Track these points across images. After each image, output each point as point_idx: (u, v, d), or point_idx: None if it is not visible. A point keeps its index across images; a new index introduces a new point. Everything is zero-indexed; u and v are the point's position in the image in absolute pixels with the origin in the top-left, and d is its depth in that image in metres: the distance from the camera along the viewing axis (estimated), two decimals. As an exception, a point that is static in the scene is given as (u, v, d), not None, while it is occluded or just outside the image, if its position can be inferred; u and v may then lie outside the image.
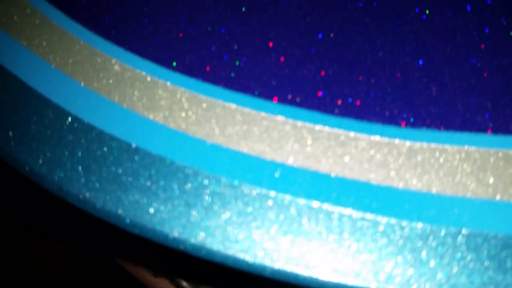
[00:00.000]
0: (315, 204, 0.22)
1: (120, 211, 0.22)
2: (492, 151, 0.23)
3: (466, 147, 0.23)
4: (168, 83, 0.24)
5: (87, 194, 0.23)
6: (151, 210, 0.22)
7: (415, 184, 0.22)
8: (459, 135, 0.23)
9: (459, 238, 0.21)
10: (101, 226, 0.24)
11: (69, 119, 0.24)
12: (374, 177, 0.22)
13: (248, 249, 0.21)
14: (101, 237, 0.26)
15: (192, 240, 0.22)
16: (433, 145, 0.23)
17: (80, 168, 0.23)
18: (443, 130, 0.23)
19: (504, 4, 0.26)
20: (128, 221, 0.22)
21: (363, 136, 0.23)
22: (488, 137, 0.23)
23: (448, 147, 0.23)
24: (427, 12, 0.25)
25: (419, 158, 0.23)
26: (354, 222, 0.22)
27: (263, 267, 0.21)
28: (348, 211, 0.22)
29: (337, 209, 0.22)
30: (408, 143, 0.23)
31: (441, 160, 0.22)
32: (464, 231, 0.21)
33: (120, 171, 0.23)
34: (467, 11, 0.26)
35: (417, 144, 0.23)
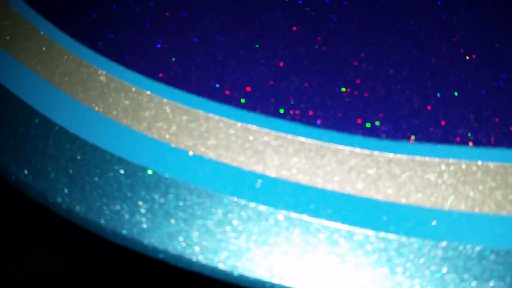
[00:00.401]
0: (294, 215, 0.22)
1: (102, 221, 0.23)
2: (473, 163, 0.23)
3: (446, 159, 0.23)
4: (153, 94, 0.24)
5: (70, 204, 0.23)
6: (132, 220, 0.22)
7: (394, 196, 0.22)
8: (440, 147, 0.23)
9: (435, 250, 0.21)
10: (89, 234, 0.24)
11: (56, 128, 0.24)
12: (354, 189, 0.22)
13: (226, 259, 0.22)
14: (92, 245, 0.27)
15: (171, 250, 0.22)
16: (412, 157, 0.23)
17: (63, 178, 0.23)
18: (424, 142, 0.23)
19: (490, 16, 0.26)
20: (109, 230, 0.23)
21: (343, 148, 0.23)
22: (469, 149, 0.23)
23: (428, 159, 0.23)
24: (413, 23, 0.26)
25: (398, 170, 0.23)
26: (332, 233, 0.22)
27: (242, 277, 0.21)
28: (326, 222, 0.22)
29: (315, 221, 0.22)
30: (388, 155, 0.23)
31: (421, 172, 0.22)
32: (442, 243, 0.21)
33: (102, 181, 0.23)
34: (453, 23, 0.26)
35: (397, 156, 0.23)
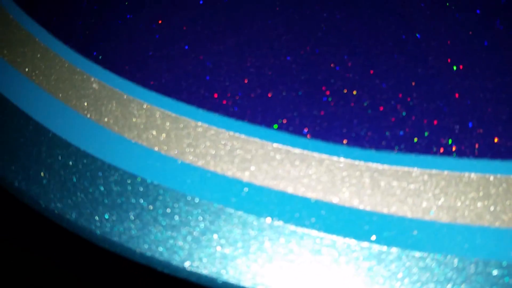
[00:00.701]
0: (279, 223, 0.22)
1: (92, 227, 0.23)
2: (455, 174, 0.23)
3: (429, 170, 0.23)
4: (144, 102, 0.25)
5: (62, 210, 0.24)
6: (121, 227, 0.23)
7: (377, 206, 0.23)
8: (423, 157, 0.23)
9: (416, 260, 0.22)
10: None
11: (49, 134, 0.25)
12: (338, 198, 0.23)
13: (212, 267, 0.22)
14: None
15: (158, 257, 0.22)
16: (395, 167, 0.23)
17: (56, 184, 0.24)
18: (407, 153, 0.23)
19: (478, 25, 0.27)
20: (99, 236, 0.23)
21: (329, 157, 0.23)
22: (452, 160, 0.23)
23: (411, 169, 0.23)
24: (401, 32, 0.26)
25: (382, 180, 0.23)
26: (315, 242, 0.22)
27: (226, 285, 0.22)
28: (310, 231, 0.22)
29: (300, 229, 0.22)
30: (372, 165, 0.23)
31: (404, 182, 0.23)
32: (417, 253, 0.22)
33: (93, 187, 0.24)
34: (441, 32, 0.26)
35: (381, 166, 0.23)
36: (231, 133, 0.24)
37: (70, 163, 0.24)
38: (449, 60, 0.26)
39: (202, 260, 0.22)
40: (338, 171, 0.23)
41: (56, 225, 0.24)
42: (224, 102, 0.25)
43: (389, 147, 0.24)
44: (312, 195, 0.23)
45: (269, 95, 0.25)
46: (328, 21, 0.26)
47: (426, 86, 0.25)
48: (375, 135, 0.24)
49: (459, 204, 0.23)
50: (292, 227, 0.22)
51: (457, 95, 0.25)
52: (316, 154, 0.23)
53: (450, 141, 0.24)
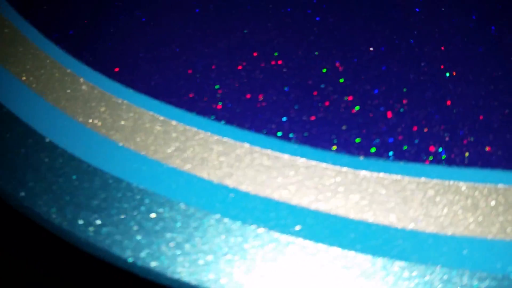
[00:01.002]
0: (261, 230, 0.22)
1: (75, 231, 0.23)
2: (445, 183, 0.23)
3: (418, 178, 0.23)
4: (132, 104, 0.25)
5: (46, 212, 0.23)
6: (103, 231, 0.23)
7: (362, 214, 0.22)
8: (412, 165, 0.23)
9: (402, 270, 0.21)
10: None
11: (35, 136, 0.25)
12: (324, 206, 0.22)
13: (194, 274, 0.22)
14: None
15: (139, 263, 0.22)
16: (383, 175, 0.23)
17: (41, 187, 0.24)
18: (396, 160, 0.23)
19: (472, 32, 0.26)
20: (81, 240, 0.23)
21: (316, 163, 0.23)
22: (442, 169, 0.23)
23: (399, 177, 0.23)
24: (394, 38, 0.26)
25: (369, 187, 0.23)
26: (300, 250, 0.22)
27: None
28: (295, 239, 0.22)
29: (284, 237, 0.22)
30: (360, 172, 0.23)
31: (392, 190, 0.23)
32: (401, 263, 0.21)
33: (78, 191, 0.24)
34: (435, 38, 0.26)
35: (369, 174, 0.23)
36: (220, 137, 0.24)
37: (57, 165, 0.24)
38: (442, 67, 0.25)
39: (184, 266, 0.22)
40: (326, 178, 0.23)
41: (40, 228, 0.24)
42: (214, 106, 0.24)
43: (379, 154, 0.23)
44: (298, 202, 0.22)
45: (260, 99, 0.24)
46: (320, 24, 0.26)
47: (417, 92, 0.24)
48: (364, 141, 0.23)
49: (446, 213, 0.22)
50: (277, 235, 0.22)
51: (449, 102, 0.24)
52: (303, 160, 0.23)
53: (440, 149, 0.23)
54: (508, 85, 0.25)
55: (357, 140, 0.23)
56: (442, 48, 0.26)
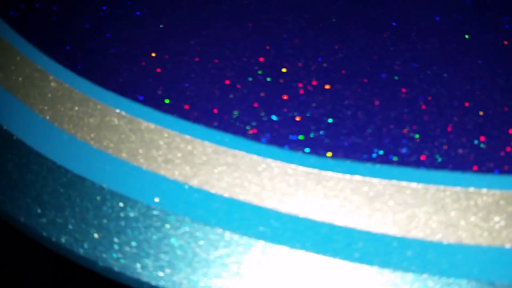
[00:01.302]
0: (223, 231, 0.22)
1: (43, 233, 0.23)
2: (413, 185, 0.22)
3: (387, 180, 0.22)
4: (101, 102, 0.24)
5: (11, 212, 0.23)
6: (65, 230, 0.22)
7: (345, 220, 0.22)
8: (381, 167, 0.22)
9: (357, 272, 0.21)
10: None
11: (1, 132, 0.24)
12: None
13: (152, 272, 0.22)
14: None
15: (100, 262, 0.22)
16: (358, 177, 0.22)
17: (8, 182, 0.24)
18: (365, 162, 0.23)
19: (448, 30, 0.26)
20: (51, 240, 0.23)
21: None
22: (410, 170, 0.23)
23: (368, 179, 0.22)
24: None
25: (337, 189, 0.22)
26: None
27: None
28: (260, 242, 0.22)
29: (261, 243, 0.22)
30: (326, 173, 0.22)
31: (357, 195, 0.22)
32: (362, 266, 0.21)
33: (43, 190, 0.23)
34: (411, 36, 0.25)
35: (336, 175, 0.22)
36: (187, 136, 0.23)
37: (23, 163, 0.24)
38: (415, 64, 0.25)
39: (144, 266, 0.22)
40: (292, 180, 0.22)
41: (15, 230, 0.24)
42: (181, 104, 0.24)
43: (348, 155, 0.23)
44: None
45: (230, 98, 0.24)
46: (299, 31, 0.25)
47: (390, 94, 0.24)
48: (333, 142, 0.23)
49: (412, 217, 0.22)
50: (253, 241, 0.22)
51: (423, 107, 0.24)
52: (270, 161, 0.23)
53: (409, 151, 0.23)
54: (485, 86, 0.25)
55: (326, 140, 0.23)
56: (418, 46, 0.25)
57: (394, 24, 0.26)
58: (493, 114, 0.24)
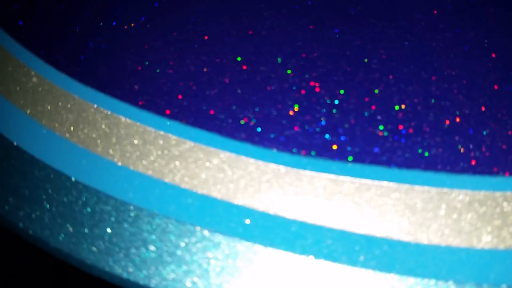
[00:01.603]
0: (197, 228, 0.22)
1: (20, 224, 0.23)
2: (383, 184, 0.22)
3: (358, 179, 0.22)
4: (79, 98, 0.25)
5: (3, 212, 0.24)
6: (42, 222, 0.23)
7: (300, 213, 0.22)
8: (352, 166, 0.23)
9: (326, 269, 0.21)
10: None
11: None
12: (264, 205, 0.22)
13: (126, 267, 0.22)
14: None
15: (75, 254, 0.22)
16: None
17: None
18: (339, 160, 0.23)
19: (427, 30, 0.26)
20: (30, 233, 0.23)
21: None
22: (380, 169, 0.23)
23: (338, 178, 0.22)
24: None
25: (306, 187, 0.22)
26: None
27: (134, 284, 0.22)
28: (232, 239, 0.22)
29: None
30: (297, 171, 0.23)
31: (329, 193, 0.22)
32: (328, 263, 0.21)
33: (22, 183, 0.24)
34: (382, 39, 0.25)
35: (308, 173, 0.23)
36: (161, 132, 0.24)
37: (1, 157, 0.24)
38: (384, 57, 0.25)
39: (113, 260, 0.22)
40: (263, 176, 0.23)
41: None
42: (158, 101, 0.24)
43: (320, 153, 0.23)
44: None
45: (207, 94, 0.24)
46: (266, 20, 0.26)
47: (356, 91, 0.24)
48: (305, 140, 0.23)
49: (378, 214, 0.22)
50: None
51: (402, 106, 0.24)
52: (244, 158, 0.23)
53: (379, 150, 0.23)
54: (462, 85, 0.25)
55: (294, 138, 0.23)
56: (397, 44, 0.25)
57: (373, 20, 0.26)
58: (470, 114, 0.24)
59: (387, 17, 0.26)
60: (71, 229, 0.23)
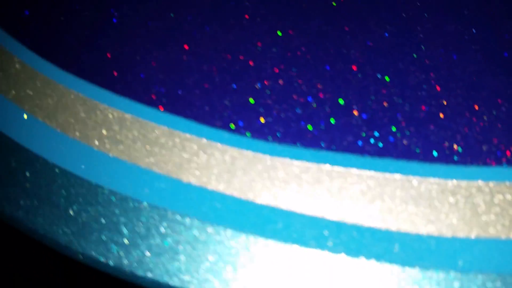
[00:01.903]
0: (178, 216, 0.22)
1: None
2: (363, 173, 0.23)
3: (338, 167, 0.23)
4: (59, 84, 0.25)
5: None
6: (31, 211, 0.23)
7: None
8: (334, 154, 0.23)
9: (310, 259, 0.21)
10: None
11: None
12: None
13: (114, 257, 0.22)
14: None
15: (60, 240, 0.23)
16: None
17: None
18: (324, 150, 0.23)
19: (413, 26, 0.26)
20: (11, 219, 0.24)
21: (229, 148, 0.23)
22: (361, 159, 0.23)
23: (324, 166, 0.23)
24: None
25: (292, 174, 0.23)
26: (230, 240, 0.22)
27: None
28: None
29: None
30: (277, 159, 0.23)
31: (317, 182, 0.22)
32: (319, 251, 0.21)
33: (5, 173, 0.24)
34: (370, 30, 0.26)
35: (291, 161, 0.23)
36: (140, 118, 0.24)
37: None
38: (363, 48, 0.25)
39: (90, 240, 0.22)
40: (237, 162, 0.23)
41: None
42: (137, 87, 0.25)
43: (307, 143, 0.23)
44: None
45: (185, 82, 0.24)
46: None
47: (332, 86, 0.24)
48: (292, 131, 0.23)
49: (355, 203, 0.22)
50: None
51: (386, 103, 0.24)
52: (219, 145, 0.23)
53: (360, 142, 0.23)
54: (441, 76, 0.25)
55: (278, 129, 0.23)
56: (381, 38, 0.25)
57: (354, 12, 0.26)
58: (450, 107, 0.24)
59: (369, 8, 0.26)
60: (47, 211, 0.23)
